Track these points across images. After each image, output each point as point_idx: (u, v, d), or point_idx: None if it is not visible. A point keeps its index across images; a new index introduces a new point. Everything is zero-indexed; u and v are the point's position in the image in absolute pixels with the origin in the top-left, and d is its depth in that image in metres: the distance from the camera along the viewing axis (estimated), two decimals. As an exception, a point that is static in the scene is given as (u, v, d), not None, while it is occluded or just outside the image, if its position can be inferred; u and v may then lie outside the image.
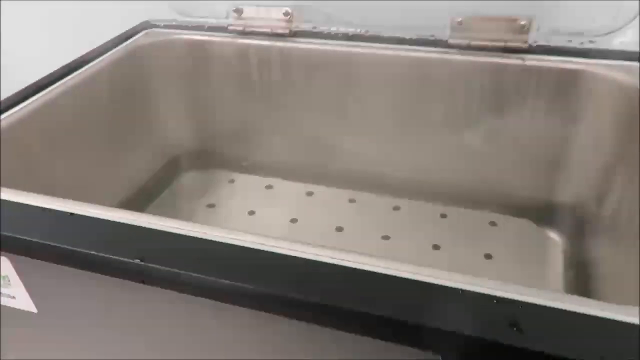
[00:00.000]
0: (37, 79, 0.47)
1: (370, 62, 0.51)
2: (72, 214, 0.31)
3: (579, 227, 0.48)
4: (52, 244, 0.29)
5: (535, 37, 0.47)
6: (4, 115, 0.42)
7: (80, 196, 0.32)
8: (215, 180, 0.60)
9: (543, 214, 0.51)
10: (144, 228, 0.30)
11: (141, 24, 0.59)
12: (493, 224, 0.51)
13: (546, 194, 0.51)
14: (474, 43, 0.48)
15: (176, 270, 0.27)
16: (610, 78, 0.45)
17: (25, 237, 0.29)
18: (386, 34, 0.50)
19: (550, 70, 0.47)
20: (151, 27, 0.58)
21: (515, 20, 0.47)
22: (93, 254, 0.28)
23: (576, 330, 0.23)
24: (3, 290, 0.33)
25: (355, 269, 0.26)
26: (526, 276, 0.46)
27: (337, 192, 0.56)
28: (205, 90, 0.58)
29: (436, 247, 0.49)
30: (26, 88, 0.46)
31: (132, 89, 0.55)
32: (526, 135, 0.49)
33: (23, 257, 0.31)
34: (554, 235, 0.50)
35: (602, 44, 0.46)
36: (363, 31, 0.51)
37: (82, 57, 0.51)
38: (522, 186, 0.51)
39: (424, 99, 0.51)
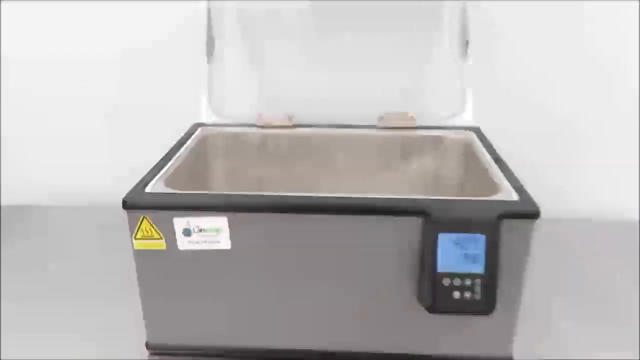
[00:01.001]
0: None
1: (340, 138, 0.96)
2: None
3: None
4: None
5: (417, 122, 0.96)
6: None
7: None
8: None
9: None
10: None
11: (194, 125, 0.98)
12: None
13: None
14: (389, 125, 0.96)
15: (315, 206, 0.67)
16: (456, 138, 0.94)
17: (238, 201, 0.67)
18: (346, 123, 0.97)
19: (427, 136, 0.96)
20: (202, 126, 0.97)
21: (407, 113, 0.96)
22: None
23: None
24: (213, 239, 0.69)
25: (383, 199, 0.69)
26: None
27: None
28: (238, 161, 0.98)
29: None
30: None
31: (197, 165, 0.92)
32: (416, 172, 0.97)
33: (235, 214, 0.68)
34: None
35: (451, 122, 0.97)
36: (333, 123, 0.97)
37: (176, 145, 0.88)
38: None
39: (366, 155, 0.97)
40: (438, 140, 0.96)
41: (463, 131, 0.95)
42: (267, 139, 0.97)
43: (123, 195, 0.69)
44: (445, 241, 0.66)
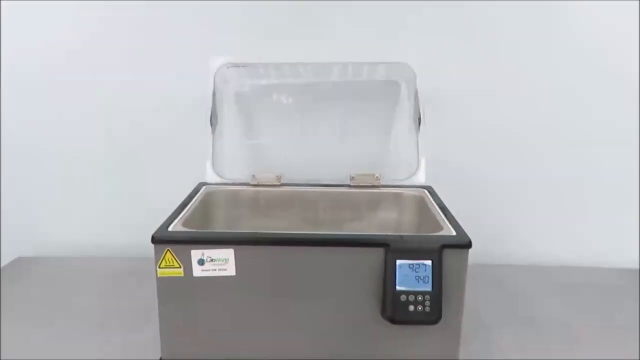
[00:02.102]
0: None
1: (320, 194, 1.18)
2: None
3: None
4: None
5: (382, 181, 1.19)
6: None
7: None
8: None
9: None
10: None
11: (200, 184, 1.19)
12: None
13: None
14: (359, 184, 1.19)
15: (302, 239, 0.87)
16: (413, 194, 1.17)
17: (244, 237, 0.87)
18: (323, 182, 1.19)
19: (389, 193, 1.18)
20: (205, 185, 1.18)
21: (374, 174, 1.19)
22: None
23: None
24: (222, 267, 0.88)
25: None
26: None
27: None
28: (235, 212, 1.18)
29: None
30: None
31: (204, 214, 1.13)
32: (382, 220, 1.19)
33: (239, 247, 0.87)
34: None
35: (408, 181, 1.20)
36: (314, 182, 1.19)
37: (187, 198, 1.09)
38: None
39: (340, 208, 1.18)
40: (398, 196, 1.18)
41: (418, 189, 1.18)
42: (259, 195, 1.19)
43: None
44: (402, 266, 0.86)
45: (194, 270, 0.88)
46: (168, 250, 0.88)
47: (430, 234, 0.91)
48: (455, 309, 0.88)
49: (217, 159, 1.21)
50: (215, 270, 0.88)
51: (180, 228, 0.92)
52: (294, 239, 0.88)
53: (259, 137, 1.33)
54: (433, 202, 1.09)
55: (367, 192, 1.19)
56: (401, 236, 0.88)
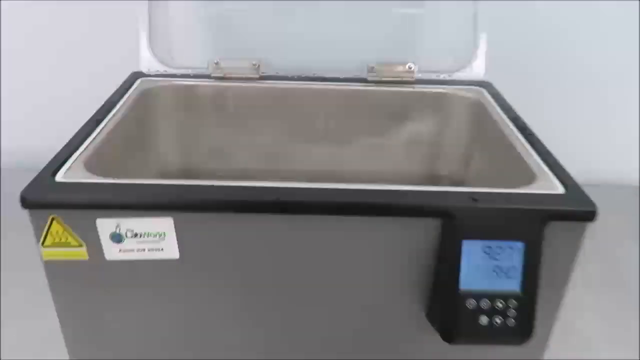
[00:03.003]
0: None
1: (319, 94, 0.76)
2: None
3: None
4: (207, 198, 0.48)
5: (417, 75, 0.77)
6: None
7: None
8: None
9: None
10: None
11: (133, 74, 0.76)
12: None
13: (431, 172, 0.80)
14: (382, 79, 0.76)
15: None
16: (463, 96, 0.76)
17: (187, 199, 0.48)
18: (327, 75, 0.77)
19: (427, 94, 0.77)
20: (142, 77, 0.75)
21: (405, 64, 0.76)
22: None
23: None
24: (154, 246, 0.50)
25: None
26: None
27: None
28: (189, 124, 0.77)
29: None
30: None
31: (134, 131, 0.71)
32: (414, 136, 0.78)
33: (183, 214, 0.48)
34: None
35: (456, 76, 0.78)
36: (311, 74, 0.77)
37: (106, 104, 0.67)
38: (417, 167, 0.80)
39: (351, 116, 0.77)
40: (441, 99, 0.77)
41: (473, 88, 0.76)
42: (227, 93, 0.76)
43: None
44: (471, 250, 0.49)
45: (105, 251, 0.50)
46: (54, 218, 0.49)
47: (518, 190, 0.52)
48: (549, 313, 0.53)
49: (158, 35, 0.76)
50: (144, 251, 0.50)
51: (80, 174, 0.52)
52: (278, 202, 0.48)
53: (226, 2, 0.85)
54: (500, 111, 0.69)
55: (393, 90, 0.77)
56: (473, 198, 0.49)
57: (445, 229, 0.49)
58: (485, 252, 0.49)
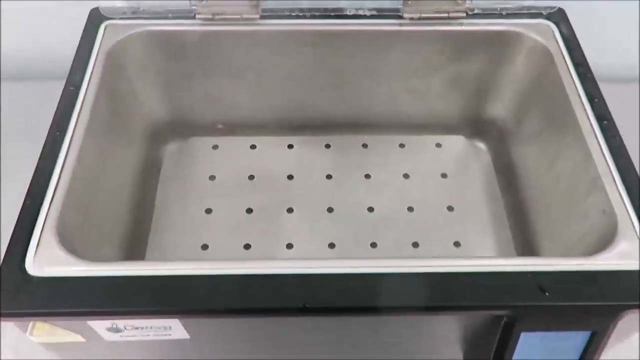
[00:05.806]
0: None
1: (339, 35, 0.58)
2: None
3: (501, 138, 0.66)
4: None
5: (469, 6, 0.58)
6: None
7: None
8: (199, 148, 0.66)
9: (473, 130, 0.67)
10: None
11: (92, 13, 0.57)
12: (439, 145, 0.67)
13: (476, 115, 0.67)
14: (421, 15, 0.58)
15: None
16: (524, 33, 0.58)
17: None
18: (350, 12, 0.58)
19: (479, 32, 0.59)
20: (106, 20, 0.57)
21: (452, -7, 0.57)
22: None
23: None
24: (160, 332, 0.43)
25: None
26: (469, 184, 0.64)
27: (315, 140, 0.67)
28: (176, 70, 0.61)
29: (406, 175, 0.65)
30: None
31: (115, 85, 0.56)
32: (466, 73, 0.63)
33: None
34: (482, 146, 0.68)
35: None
36: (330, 9, 0.58)
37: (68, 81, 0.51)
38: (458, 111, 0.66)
39: (382, 59, 0.61)
40: (499, 35, 0.59)
41: (533, 20, 0.58)
42: (220, 39, 0.59)
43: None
44: (529, 342, 0.42)
45: (103, 337, 0.43)
46: (34, 323, 0.41)
47: (592, 263, 0.42)
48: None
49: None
50: (149, 336, 0.44)
51: (56, 249, 0.42)
52: (306, 309, 0.39)
53: None
54: (573, 72, 0.54)
55: (436, 30, 0.59)
56: (541, 288, 0.40)
57: (505, 324, 0.41)
58: (543, 342, 0.43)
